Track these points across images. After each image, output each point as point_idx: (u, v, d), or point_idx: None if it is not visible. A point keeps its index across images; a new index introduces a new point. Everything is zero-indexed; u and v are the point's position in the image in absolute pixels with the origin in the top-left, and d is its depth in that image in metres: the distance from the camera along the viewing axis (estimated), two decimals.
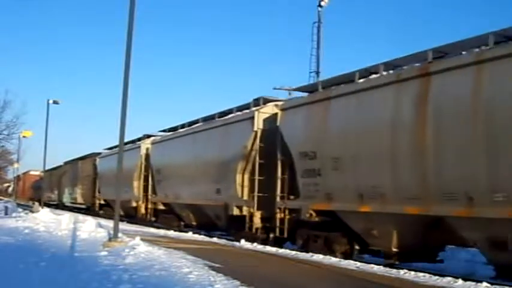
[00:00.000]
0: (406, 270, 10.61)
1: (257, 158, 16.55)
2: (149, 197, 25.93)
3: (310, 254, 13.37)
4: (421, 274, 10.26)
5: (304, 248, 14.34)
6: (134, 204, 27.61)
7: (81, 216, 22.45)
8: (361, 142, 12.26)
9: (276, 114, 16.30)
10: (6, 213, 29.05)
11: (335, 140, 13.15)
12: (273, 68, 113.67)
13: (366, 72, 13.01)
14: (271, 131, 16.17)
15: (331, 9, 45.24)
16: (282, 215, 15.21)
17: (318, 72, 31.08)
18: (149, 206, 26.05)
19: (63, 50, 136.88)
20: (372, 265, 11.38)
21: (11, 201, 54.33)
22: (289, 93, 18.73)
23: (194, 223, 22.07)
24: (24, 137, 43.82)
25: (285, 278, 9.84)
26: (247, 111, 18.27)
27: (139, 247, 11.81)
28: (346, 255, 13.12)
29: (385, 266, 11.51)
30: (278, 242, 15.91)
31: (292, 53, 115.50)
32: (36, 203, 38.75)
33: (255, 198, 16.40)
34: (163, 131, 25.81)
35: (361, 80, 12.98)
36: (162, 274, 8.70)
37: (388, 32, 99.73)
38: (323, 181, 13.47)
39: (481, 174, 9.58)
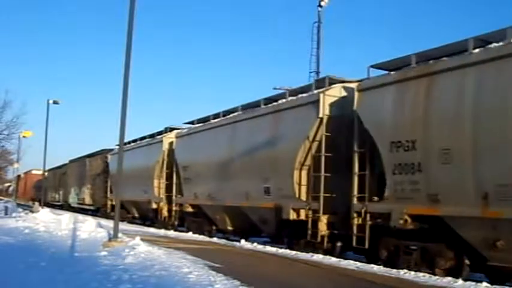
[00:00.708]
0: (406, 270, 10.61)
1: (323, 150, 13.60)
2: (173, 197, 22.66)
3: (310, 254, 13.30)
4: (421, 274, 10.26)
5: (390, 262, 11.59)
6: (154, 205, 24.58)
7: (81, 216, 22.43)
8: (483, 128, 9.55)
9: (344, 97, 13.77)
10: (6, 213, 29.04)
11: (444, 127, 10.34)
12: (273, 68, 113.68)
13: (480, 42, 10.34)
14: (340, 117, 13.60)
15: (331, 9, 45.26)
16: (361, 220, 12.30)
17: (318, 72, 31.07)
18: (173, 207, 22.69)
19: (63, 50, 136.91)
20: (372, 265, 11.38)
21: (10, 201, 54.21)
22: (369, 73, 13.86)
23: (230, 228, 19.11)
24: (24, 137, 43.79)
25: (285, 278, 9.84)
26: (304, 95, 15.32)
27: (139, 247, 11.81)
28: (453, 273, 10.33)
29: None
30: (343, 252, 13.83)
31: (292, 53, 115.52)
32: (36, 203, 38.63)
33: (321, 199, 13.42)
34: (190, 122, 22.62)
35: (477, 50, 10.21)
36: (162, 274, 8.70)
37: (388, 32, 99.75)
38: (426, 178, 10.63)
39: None
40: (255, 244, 15.89)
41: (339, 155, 13.46)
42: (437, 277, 9.92)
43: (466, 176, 9.76)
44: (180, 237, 18.77)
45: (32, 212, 27.64)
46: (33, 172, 68.63)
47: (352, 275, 10.16)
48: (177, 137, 22.94)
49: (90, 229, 16.39)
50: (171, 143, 23.59)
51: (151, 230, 22.21)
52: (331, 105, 13.94)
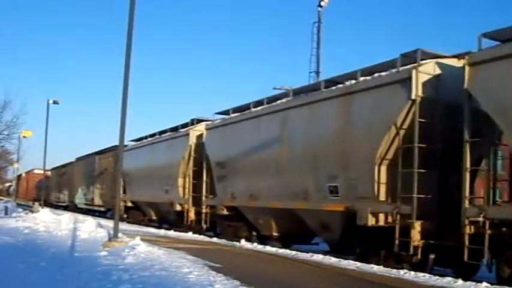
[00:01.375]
0: (406, 270, 10.61)
1: (416, 140, 11.01)
2: (203, 198, 19.83)
3: (310, 254, 13.37)
4: (421, 274, 10.26)
5: None
6: (178, 207, 21.83)
7: (81, 216, 22.41)
8: None
9: (439, 75, 11.45)
10: (6, 213, 29.03)
11: None
12: (273, 68, 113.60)
13: None
14: (434, 101, 11.35)
15: (331, 9, 45.28)
16: (475, 229, 9.96)
17: (318, 72, 31.14)
18: (203, 210, 19.81)
19: (63, 50, 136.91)
20: (372, 265, 11.38)
21: (10, 201, 54.11)
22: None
23: (276, 234, 16.44)
24: (24, 137, 43.74)
25: (285, 278, 9.84)
26: (386, 73, 12.44)
27: (139, 247, 11.81)
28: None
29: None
30: None
31: (292, 53, 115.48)
32: (36, 203, 38.54)
33: (414, 202, 10.88)
34: (223, 112, 19.60)
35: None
36: (162, 274, 8.70)
37: (388, 32, 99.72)
38: None
39: None
40: (255, 244, 15.89)
41: (432, 146, 11.21)
42: (437, 277, 9.91)
43: None
44: (180, 237, 18.76)
45: (32, 212, 27.63)
46: (36, 171, 64.68)
47: (352, 275, 10.16)
48: (207, 129, 20.00)
49: (90, 229, 16.38)
50: (199, 136, 20.84)
51: (152, 230, 22.19)
52: (425, 84, 11.33)
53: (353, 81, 13.21)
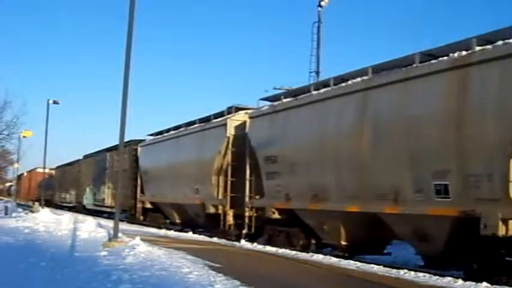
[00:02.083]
0: (406, 270, 10.61)
1: None
2: (246, 200, 16.84)
3: (310, 254, 13.36)
4: (421, 274, 10.26)
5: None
6: (211, 209, 18.80)
7: (81, 216, 22.42)
8: None
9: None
10: (6, 213, 29.04)
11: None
12: (273, 68, 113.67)
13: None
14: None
15: (331, 9, 45.22)
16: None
17: (318, 72, 31.06)
18: (247, 213, 16.81)
19: (63, 50, 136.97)
20: (372, 265, 11.38)
21: (10, 201, 54.09)
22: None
23: (344, 243, 13.25)
24: (24, 137, 43.74)
25: (285, 278, 9.84)
26: None
27: (139, 247, 11.81)
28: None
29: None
30: None
31: (292, 53, 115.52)
32: (36, 203, 38.52)
33: None
34: (268, 99, 17.11)
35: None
36: (162, 274, 8.70)
37: (388, 32, 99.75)
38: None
39: None
40: (255, 244, 15.89)
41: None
42: (437, 277, 9.91)
43: None
44: (180, 237, 18.77)
45: (32, 212, 27.65)
46: (38, 170, 60.23)
47: (352, 275, 10.16)
48: (252, 118, 17.10)
49: (90, 229, 16.39)
50: (239, 127, 18.06)
51: (152, 230, 22.18)
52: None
53: (467, 52, 10.32)
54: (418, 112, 10.88)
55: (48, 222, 19.32)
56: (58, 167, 52.72)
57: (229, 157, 18.08)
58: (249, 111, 17.87)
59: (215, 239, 18.07)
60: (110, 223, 17.67)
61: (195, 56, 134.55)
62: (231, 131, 18.26)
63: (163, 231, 21.22)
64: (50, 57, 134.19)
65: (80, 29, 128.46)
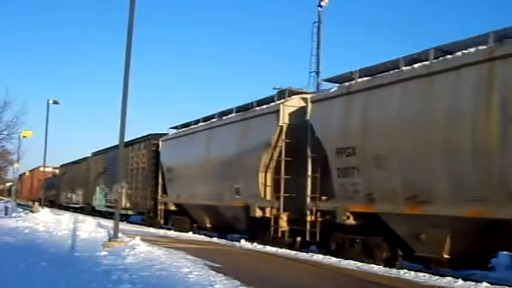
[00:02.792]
0: (406, 270, 10.61)
1: None
2: (308, 201, 13.72)
3: (310, 254, 13.34)
4: (421, 274, 10.26)
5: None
6: (258, 213, 15.74)
7: (81, 216, 22.41)
8: None
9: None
10: (6, 213, 29.05)
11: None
12: (273, 68, 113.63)
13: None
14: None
15: (331, 9, 45.22)
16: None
17: (318, 72, 31.14)
18: (308, 217, 13.63)
19: (64, 50, 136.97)
20: (372, 265, 11.38)
21: (10, 201, 54.03)
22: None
23: (447, 256, 10.48)
24: (24, 137, 43.71)
25: (285, 278, 9.83)
26: None
27: (139, 247, 11.81)
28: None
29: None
30: None
31: (292, 53, 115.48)
32: (36, 203, 38.48)
33: None
34: (330, 80, 14.30)
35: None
36: (162, 274, 8.71)
37: (388, 32, 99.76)
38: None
39: None
40: (255, 244, 15.87)
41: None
42: (437, 277, 9.91)
43: None
44: (180, 237, 18.74)
45: (32, 212, 27.64)
46: (42, 169, 53.28)
47: (352, 275, 10.16)
48: (315, 102, 13.98)
49: (90, 229, 16.38)
50: (295, 114, 15.15)
51: (152, 230, 22.15)
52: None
53: None
54: None
55: (48, 222, 19.32)
56: (63, 166, 50.78)
57: (282, 150, 15.15)
58: (307, 95, 15.16)
59: (215, 239, 18.05)
60: (110, 223, 17.67)
61: (195, 56, 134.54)
62: (284, 119, 15.23)
63: (163, 231, 21.18)
64: (50, 57, 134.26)
65: (80, 29, 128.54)
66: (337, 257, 12.41)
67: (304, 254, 13.39)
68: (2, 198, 66.30)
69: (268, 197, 15.76)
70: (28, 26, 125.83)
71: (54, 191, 52.31)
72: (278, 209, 15.18)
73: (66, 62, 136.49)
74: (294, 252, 13.86)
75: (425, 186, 10.55)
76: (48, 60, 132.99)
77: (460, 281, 9.39)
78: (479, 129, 9.57)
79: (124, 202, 26.95)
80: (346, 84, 13.18)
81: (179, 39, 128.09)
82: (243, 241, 16.32)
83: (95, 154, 37.30)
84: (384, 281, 9.43)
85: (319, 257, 12.68)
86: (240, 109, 18.18)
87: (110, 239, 13.21)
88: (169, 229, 22.22)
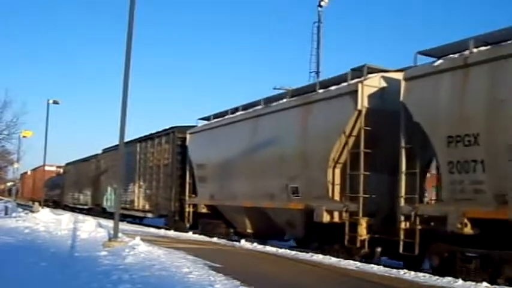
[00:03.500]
0: (405, 270, 10.61)
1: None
2: (401, 204, 11.07)
3: (310, 254, 13.30)
4: (421, 274, 10.25)
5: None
6: (325, 217, 12.91)
7: (81, 216, 22.39)
8: None
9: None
10: (6, 213, 29.03)
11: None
12: (273, 68, 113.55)
13: None
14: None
15: (331, 9, 45.24)
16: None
17: (318, 72, 31.17)
18: (402, 225, 10.95)
19: (64, 50, 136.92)
20: (372, 265, 11.38)
21: (10, 201, 53.97)
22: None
23: None
24: (24, 137, 43.72)
25: (285, 278, 9.83)
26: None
27: (139, 247, 11.81)
28: None
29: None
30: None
31: (292, 53, 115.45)
32: (36, 203, 38.41)
33: None
34: (431, 53, 11.00)
35: None
36: (162, 274, 8.70)
37: (388, 32, 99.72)
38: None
39: None
40: (255, 244, 15.87)
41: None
42: (437, 277, 9.90)
43: None
44: (180, 237, 18.73)
45: (32, 212, 27.62)
46: (46, 168, 53.29)
47: (352, 275, 10.16)
48: (411, 79, 11.07)
49: (90, 229, 16.37)
50: (376, 95, 12.42)
51: (152, 230, 22.16)
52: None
53: None
54: None
55: (48, 222, 19.29)
56: (68, 164, 48.04)
57: (360, 140, 12.22)
58: (391, 73, 12.63)
59: (215, 239, 18.03)
60: (109, 223, 17.65)
61: (195, 56, 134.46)
62: (363, 102, 12.26)
63: (163, 231, 21.17)
64: (50, 57, 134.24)
65: (80, 29, 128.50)
66: (442, 275, 9.80)
67: (304, 254, 13.38)
68: (2, 198, 66.15)
69: (336, 198, 13.13)
70: (28, 26, 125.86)
71: (59, 190, 50.75)
72: (352, 213, 12.41)
73: (66, 62, 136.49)
74: (294, 252, 13.86)
75: None
76: (48, 60, 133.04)
77: (460, 281, 9.37)
78: None
79: (142, 203, 25.00)
80: (457, 55, 10.29)
81: (178, 39, 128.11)
82: (243, 241, 16.33)
83: (105, 151, 33.75)
84: (384, 281, 9.43)
85: (319, 257, 12.67)
86: (296, 93, 15.35)
87: (109, 239, 13.21)
88: (196, 233, 20.00)
